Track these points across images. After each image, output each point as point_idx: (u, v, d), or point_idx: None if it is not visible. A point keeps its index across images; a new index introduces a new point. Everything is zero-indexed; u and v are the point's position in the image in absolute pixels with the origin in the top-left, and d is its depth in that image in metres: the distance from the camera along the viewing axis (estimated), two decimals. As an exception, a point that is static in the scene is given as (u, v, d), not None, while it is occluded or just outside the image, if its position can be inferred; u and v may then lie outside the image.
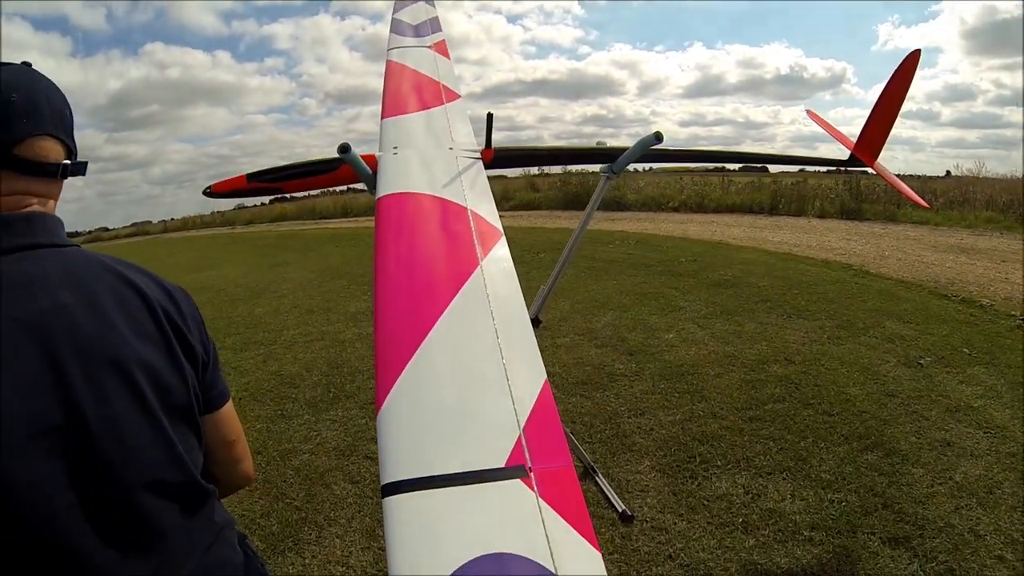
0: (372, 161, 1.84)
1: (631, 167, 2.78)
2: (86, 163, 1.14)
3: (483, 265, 1.29)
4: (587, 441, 4.14)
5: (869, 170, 3.41)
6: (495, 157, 2.53)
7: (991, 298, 7.26)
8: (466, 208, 1.51)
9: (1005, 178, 16.38)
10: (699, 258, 9.66)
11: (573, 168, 19.87)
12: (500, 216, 1.49)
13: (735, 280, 8.08)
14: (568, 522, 0.88)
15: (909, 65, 3.22)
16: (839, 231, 12.51)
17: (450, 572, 0.78)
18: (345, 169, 2.47)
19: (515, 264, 1.33)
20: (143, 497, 0.99)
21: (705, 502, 3.45)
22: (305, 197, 26.09)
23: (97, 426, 0.93)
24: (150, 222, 39.00)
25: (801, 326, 6.19)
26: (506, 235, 1.41)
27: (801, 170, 16.59)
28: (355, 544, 3.21)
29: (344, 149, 1.84)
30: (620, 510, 3.30)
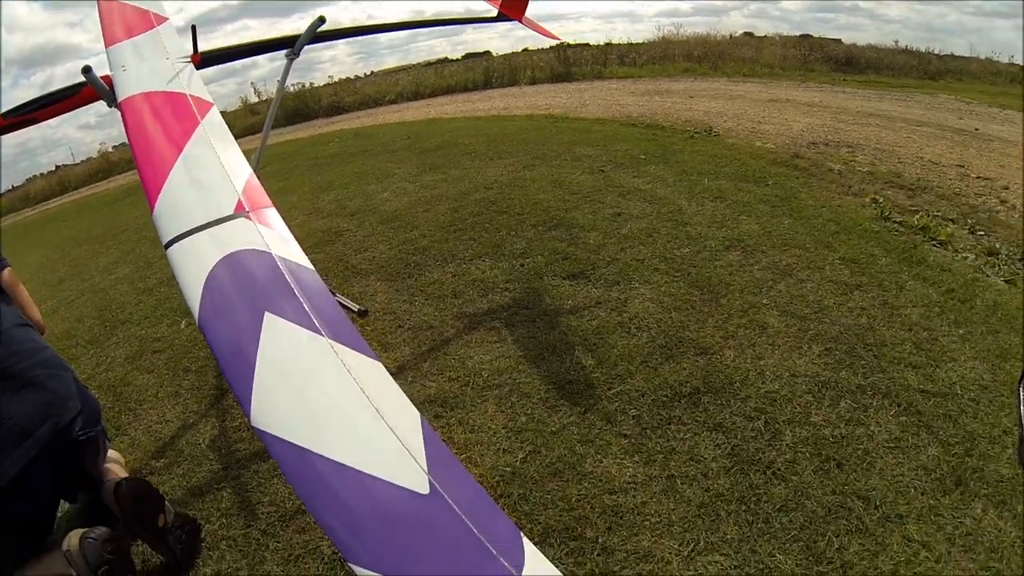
0: (108, 81, 2.38)
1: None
2: None
3: (202, 122, 1.99)
4: (323, 278, 4.57)
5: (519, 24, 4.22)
6: (203, 59, 3.02)
7: (673, 122, 8.70)
8: (185, 93, 2.16)
9: (702, 36, 18.76)
10: (413, 135, 10.19)
11: (291, 88, 20.17)
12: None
13: (444, 144, 8.74)
14: (278, 232, 1.58)
15: None
16: (548, 93, 13.75)
17: (211, 266, 1.44)
18: (88, 90, 2.81)
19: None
20: None
21: (422, 288, 4.30)
22: (11, 189, 24.43)
23: None
24: None
25: (501, 164, 7.03)
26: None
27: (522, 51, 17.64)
28: (167, 406, 3.59)
29: (87, 70, 2.39)
30: (356, 309, 3.99)
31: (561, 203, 5.38)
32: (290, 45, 3.44)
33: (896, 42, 18.54)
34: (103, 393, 4.04)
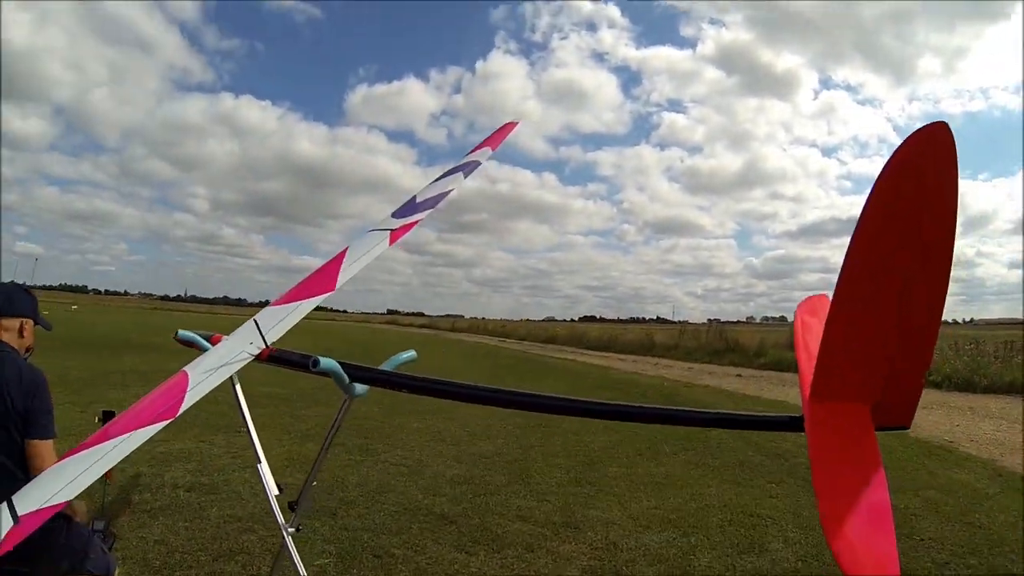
0: (218, 340, 2.84)
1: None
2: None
3: (133, 433, 1.93)
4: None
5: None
6: (271, 356, 2.83)
7: None
8: (185, 391, 2.12)
9: None
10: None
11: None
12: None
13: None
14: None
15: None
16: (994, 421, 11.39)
17: None
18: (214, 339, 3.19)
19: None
20: None
21: None
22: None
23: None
24: (462, 316, 43.37)
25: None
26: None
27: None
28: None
29: (175, 334, 3.30)
30: None
31: None
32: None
33: None
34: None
